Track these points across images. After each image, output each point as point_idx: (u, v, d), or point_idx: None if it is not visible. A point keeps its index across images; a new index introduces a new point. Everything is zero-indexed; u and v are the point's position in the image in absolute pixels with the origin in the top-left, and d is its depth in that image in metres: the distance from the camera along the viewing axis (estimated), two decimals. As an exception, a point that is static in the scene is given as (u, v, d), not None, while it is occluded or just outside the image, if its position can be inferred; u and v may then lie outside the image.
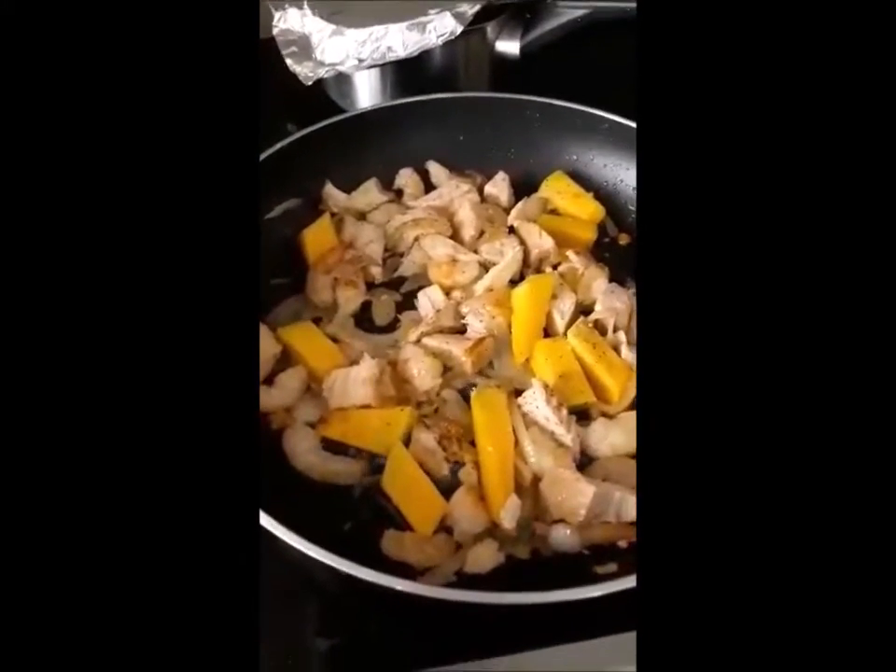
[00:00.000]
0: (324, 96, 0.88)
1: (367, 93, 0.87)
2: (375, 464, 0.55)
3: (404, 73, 0.83)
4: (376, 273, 0.69)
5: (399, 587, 0.41)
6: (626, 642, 0.45)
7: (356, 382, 0.57)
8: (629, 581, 0.43)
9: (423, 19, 0.77)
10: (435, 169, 0.77)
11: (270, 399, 0.58)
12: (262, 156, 0.68)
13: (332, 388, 0.58)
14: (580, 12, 0.81)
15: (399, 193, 0.76)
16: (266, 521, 0.44)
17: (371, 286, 0.68)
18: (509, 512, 0.50)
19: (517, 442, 0.54)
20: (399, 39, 0.77)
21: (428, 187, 0.77)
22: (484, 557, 0.48)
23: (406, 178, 0.76)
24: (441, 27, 0.77)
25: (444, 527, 0.51)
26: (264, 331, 0.61)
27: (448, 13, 0.77)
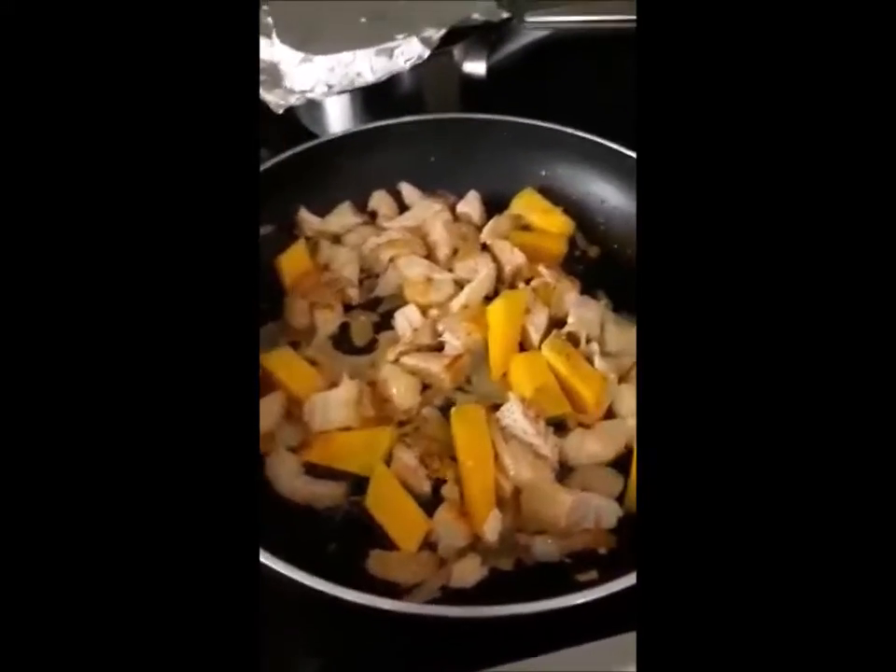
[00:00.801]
0: (295, 121, 0.89)
1: (337, 118, 0.89)
2: (358, 485, 0.56)
3: (373, 97, 0.84)
4: (353, 294, 0.70)
5: (383, 606, 0.41)
6: (627, 643, 0.46)
7: (335, 404, 0.58)
8: (609, 588, 0.44)
9: (390, 44, 0.79)
10: (407, 190, 0.78)
11: (251, 424, 0.59)
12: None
13: (313, 412, 0.58)
14: (543, 33, 0.83)
15: (373, 215, 0.78)
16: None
17: (347, 307, 0.69)
18: (491, 526, 0.51)
19: (497, 456, 0.55)
20: (368, 65, 0.79)
21: (402, 208, 0.78)
22: (468, 571, 0.49)
23: (379, 200, 0.77)
24: (409, 52, 0.78)
25: (429, 544, 0.52)
26: (244, 358, 0.62)
27: (415, 38, 0.79)
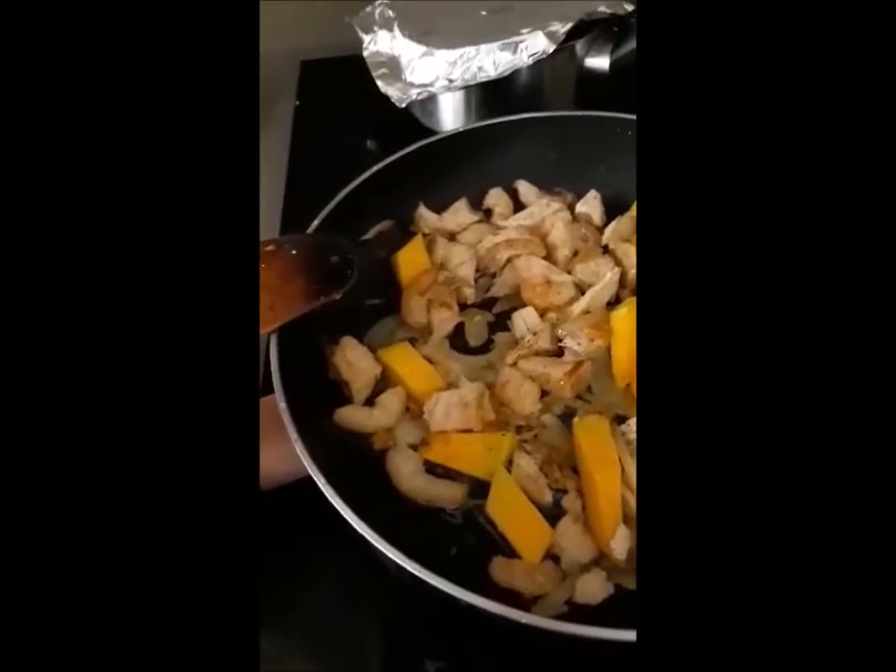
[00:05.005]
0: (404, 113, 0.89)
1: (452, 113, 0.88)
2: (478, 488, 0.55)
3: (490, 92, 0.83)
4: (469, 294, 0.69)
5: (523, 620, 0.41)
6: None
7: (457, 405, 0.58)
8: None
9: (515, 38, 0.78)
10: (524, 188, 0.77)
11: (371, 419, 0.59)
12: (357, 180, 0.69)
13: (433, 411, 0.58)
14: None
15: (489, 213, 0.77)
16: (382, 545, 0.45)
17: (463, 306, 0.69)
18: (619, 543, 0.49)
19: (623, 471, 0.53)
20: (491, 59, 0.78)
21: (518, 206, 0.77)
22: (595, 587, 0.48)
23: (496, 198, 0.76)
24: (534, 46, 0.77)
25: (550, 555, 0.51)
26: (364, 353, 0.62)
27: (540, 32, 0.77)
